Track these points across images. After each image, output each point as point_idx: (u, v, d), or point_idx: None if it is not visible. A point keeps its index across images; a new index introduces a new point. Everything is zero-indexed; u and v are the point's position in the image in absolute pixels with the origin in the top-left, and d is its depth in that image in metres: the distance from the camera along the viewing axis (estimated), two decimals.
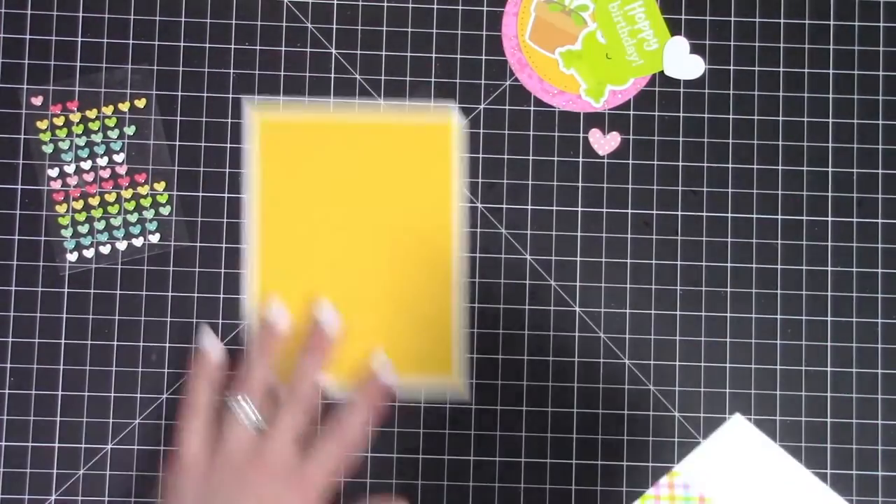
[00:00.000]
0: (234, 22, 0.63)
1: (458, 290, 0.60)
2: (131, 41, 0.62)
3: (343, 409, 0.55)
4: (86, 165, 0.61)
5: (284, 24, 0.63)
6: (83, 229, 0.61)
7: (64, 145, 0.61)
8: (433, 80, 0.63)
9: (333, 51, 0.63)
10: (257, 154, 0.60)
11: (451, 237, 0.60)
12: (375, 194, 0.60)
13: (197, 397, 0.54)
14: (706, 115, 0.63)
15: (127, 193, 0.61)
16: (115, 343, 0.61)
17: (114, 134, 0.62)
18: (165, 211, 0.61)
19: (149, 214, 0.61)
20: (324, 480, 0.53)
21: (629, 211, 0.62)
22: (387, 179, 0.60)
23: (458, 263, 0.60)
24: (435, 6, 0.63)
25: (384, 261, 0.60)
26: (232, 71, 0.62)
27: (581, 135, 0.63)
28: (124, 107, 0.62)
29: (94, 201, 0.61)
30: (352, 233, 0.60)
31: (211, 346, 0.56)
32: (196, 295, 0.61)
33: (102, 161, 0.61)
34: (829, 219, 0.62)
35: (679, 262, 0.62)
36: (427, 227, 0.60)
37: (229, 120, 0.62)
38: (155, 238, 0.61)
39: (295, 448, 0.53)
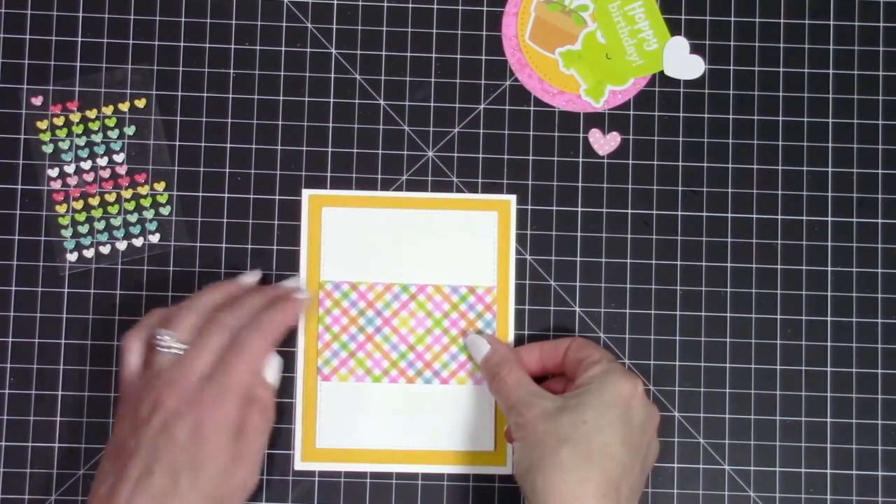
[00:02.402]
0: (234, 22, 0.63)
1: None
2: (131, 41, 0.62)
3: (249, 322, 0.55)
4: (86, 165, 0.61)
5: (284, 24, 0.63)
6: (83, 229, 0.61)
7: (64, 145, 0.61)
8: (433, 80, 0.63)
9: (333, 51, 0.63)
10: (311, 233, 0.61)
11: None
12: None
13: (145, 319, 0.56)
14: (706, 115, 0.63)
15: (127, 193, 0.61)
16: (115, 343, 0.61)
17: (114, 134, 0.62)
18: (165, 211, 0.61)
19: (149, 214, 0.61)
20: (228, 391, 0.53)
21: (629, 211, 0.62)
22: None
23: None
24: (435, 6, 0.63)
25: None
26: (232, 71, 0.62)
27: (581, 135, 0.63)
28: (124, 107, 0.62)
29: (94, 201, 0.61)
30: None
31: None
32: None
33: (102, 161, 0.61)
34: (829, 219, 0.62)
35: (679, 262, 0.62)
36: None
37: (229, 120, 0.62)
38: (155, 238, 0.61)
39: (208, 367, 0.53)
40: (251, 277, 0.59)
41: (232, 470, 0.52)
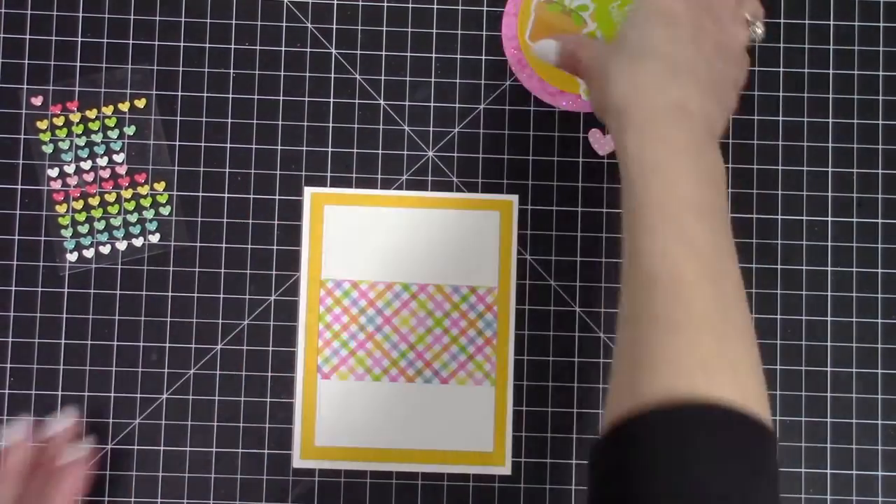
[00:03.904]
0: (234, 22, 0.63)
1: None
2: (131, 41, 0.62)
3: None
4: (86, 165, 0.61)
5: (284, 24, 0.63)
6: (83, 229, 0.61)
7: (64, 145, 0.61)
8: (433, 80, 0.63)
9: (333, 51, 0.63)
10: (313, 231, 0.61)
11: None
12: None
13: None
14: None
15: (127, 193, 0.61)
16: (115, 343, 0.61)
17: (114, 134, 0.62)
18: (165, 211, 0.61)
19: (149, 214, 0.61)
20: None
21: None
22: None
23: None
24: (435, 6, 0.63)
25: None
26: (232, 71, 0.62)
27: (581, 135, 0.63)
28: (124, 107, 0.62)
29: (94, 201, 0.61)
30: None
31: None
32: (196, 295, 0.61)
33: (102, 161, 0.61)
34: (829, 219, 0.62)
35: None
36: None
37: (229, 120, 0.62)
38: (155, 238, 0.61)
39: None
40: (62, 424, 0.59)
41: None
